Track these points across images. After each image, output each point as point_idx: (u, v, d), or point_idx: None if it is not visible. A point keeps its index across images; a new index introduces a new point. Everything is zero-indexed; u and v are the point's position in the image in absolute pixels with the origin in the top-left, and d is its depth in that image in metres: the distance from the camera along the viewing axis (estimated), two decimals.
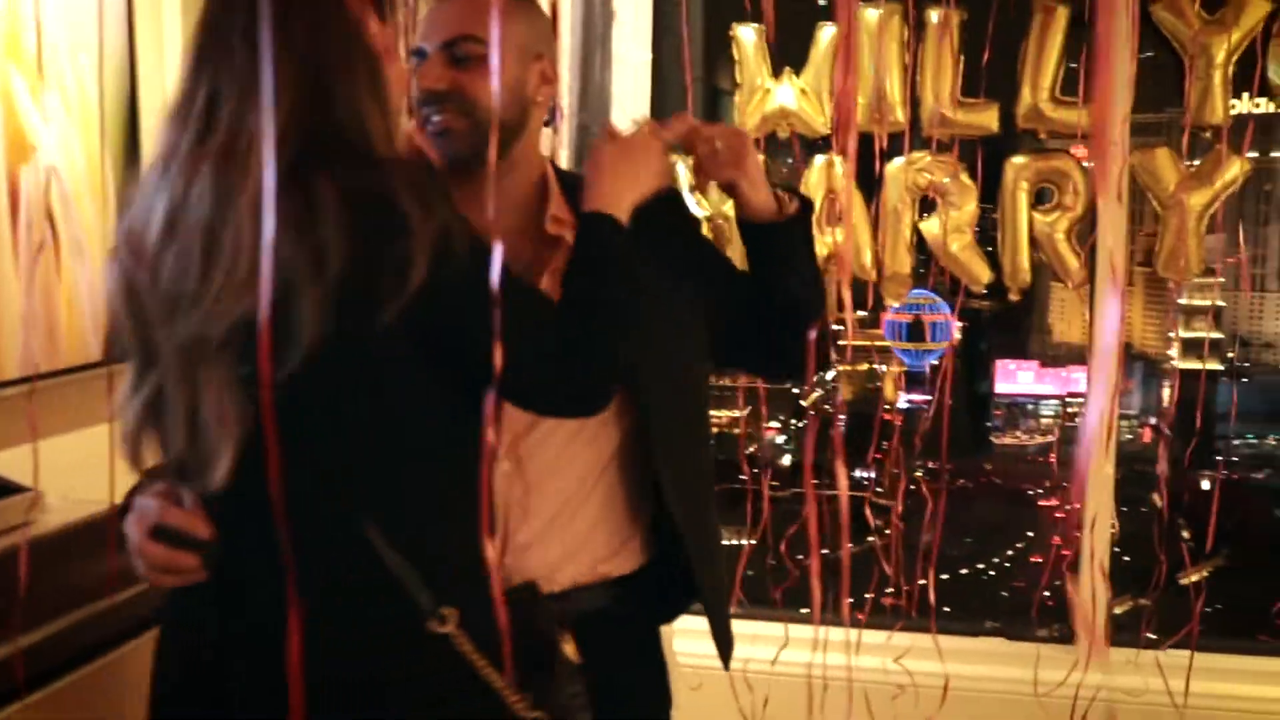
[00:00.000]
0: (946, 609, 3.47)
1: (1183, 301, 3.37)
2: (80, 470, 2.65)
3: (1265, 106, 3.16)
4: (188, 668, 1.46)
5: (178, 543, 1.34)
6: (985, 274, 3.22)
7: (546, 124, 1.86)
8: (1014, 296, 3.26)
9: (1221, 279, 3.79)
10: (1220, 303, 4.25)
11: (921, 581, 3.28)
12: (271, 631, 1.23)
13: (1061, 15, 3.12)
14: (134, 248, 1.35)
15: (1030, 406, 7.96)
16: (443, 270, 1.28)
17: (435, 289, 1.28)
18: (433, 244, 1.28)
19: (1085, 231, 3.16)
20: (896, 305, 3.51)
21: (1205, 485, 3.76)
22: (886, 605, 3.24)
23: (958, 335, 3.52)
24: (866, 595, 3.27)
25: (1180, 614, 3.18)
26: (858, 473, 4.20)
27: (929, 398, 3.95)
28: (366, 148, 1.36)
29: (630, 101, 3.18)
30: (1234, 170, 3.05)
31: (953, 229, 3.19)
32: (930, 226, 3.22)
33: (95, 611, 2.21)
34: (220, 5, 1.38)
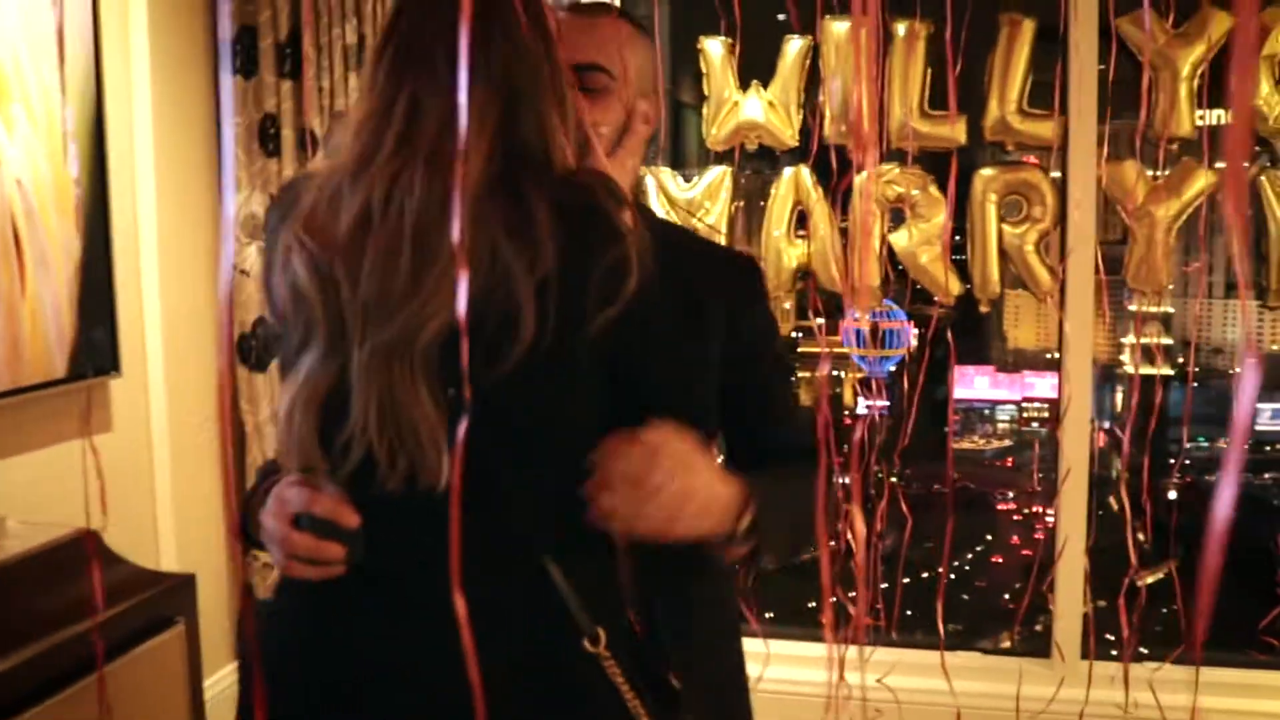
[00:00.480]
0: (909, 612, 3.50)
1: (1134, 308, 3.39)
2: (43, 491, 2.62)
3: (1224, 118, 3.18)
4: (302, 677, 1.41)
5: (324, 532, 1.31)
6: (955, 286, 3.22)
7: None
8: (984, 308, 3.27)
9: (1171, 285, 3.83)
10: (1170, 309, 4.28)
11: (885, 585, 3.31)
12: (428, 640, 1.23)
13: (1028, 28, 3.13)
14: (322, 240, 1.33)
15: (987, 411, 8.03)
16: (641, 280, 1.32)
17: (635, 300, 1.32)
18: (639, 254, 1.31)
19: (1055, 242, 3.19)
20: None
21: (1172, 495, 3.81)
22: (867, 623, 3.25)
23: (914, 342, 3.53)
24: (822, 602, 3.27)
25: (1143, 618, 3.22)
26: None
27: (887, 403, 3.98)
28: (550, 163, 1.37)
29: None
30: (1202, 182, 3.07)
31: (922, 241, 3.20)
32: (899, 239, 3.23)
33: (62, 639, 2.17)
34: (419, 22, 1.38)
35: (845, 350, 4.58)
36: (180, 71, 3.15)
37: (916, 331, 3.38)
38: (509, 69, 1.35)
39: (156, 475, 3.17)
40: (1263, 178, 3.06)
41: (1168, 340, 4.20)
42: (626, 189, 1.55)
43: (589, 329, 1.30)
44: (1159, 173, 3.11)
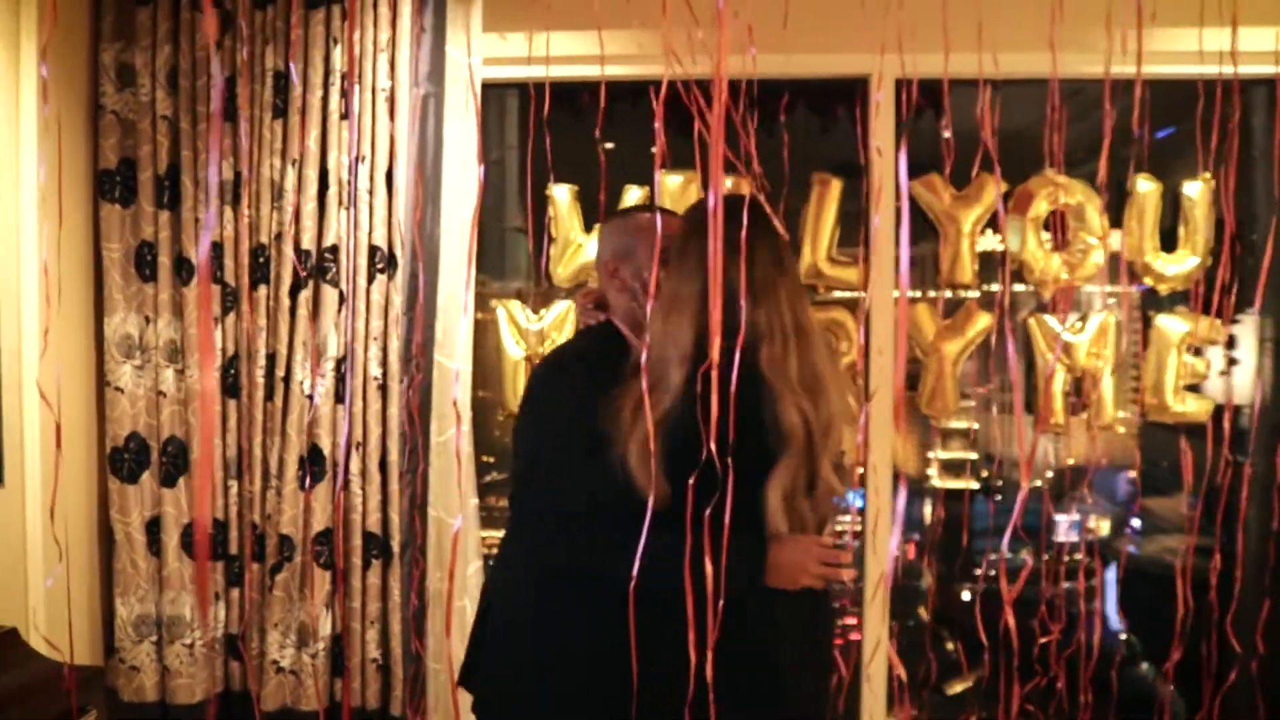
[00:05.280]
0: None
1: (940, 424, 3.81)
2: None
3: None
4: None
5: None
6: None
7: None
8: None
9: (974, 403, 4.25)
10: (975, 425, 4.70)
11: None
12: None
13: (835, 187, 3.58)
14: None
15: None
16: None
17: None
18: None
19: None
20: None
21: (966, 596, 4.09)
22: None
23: None
24: None
25: None
26: None
27: None
28: None
29: (455, 253, 3.43)
30: (982, 323, 3.54)
31: None
32: None
33: None
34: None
35: None
36: (62, 200, 3.32)
37: None
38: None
39: (30, 577, 3.30)
40: (1031, 320, 3.55)
41: (972, 455, 4.61)
42: None
43: None
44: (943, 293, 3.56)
